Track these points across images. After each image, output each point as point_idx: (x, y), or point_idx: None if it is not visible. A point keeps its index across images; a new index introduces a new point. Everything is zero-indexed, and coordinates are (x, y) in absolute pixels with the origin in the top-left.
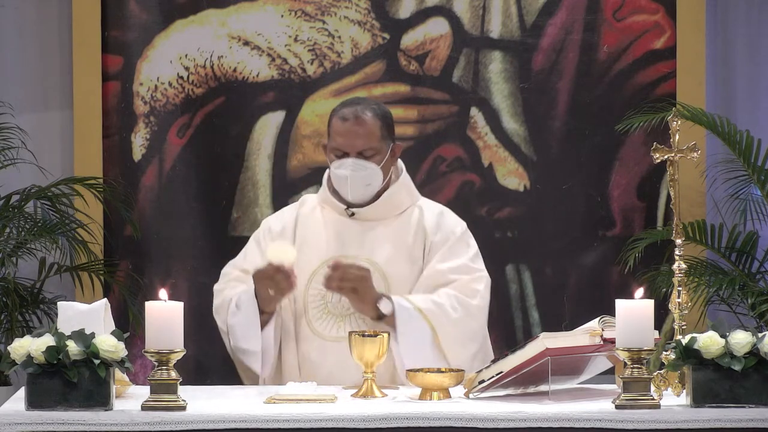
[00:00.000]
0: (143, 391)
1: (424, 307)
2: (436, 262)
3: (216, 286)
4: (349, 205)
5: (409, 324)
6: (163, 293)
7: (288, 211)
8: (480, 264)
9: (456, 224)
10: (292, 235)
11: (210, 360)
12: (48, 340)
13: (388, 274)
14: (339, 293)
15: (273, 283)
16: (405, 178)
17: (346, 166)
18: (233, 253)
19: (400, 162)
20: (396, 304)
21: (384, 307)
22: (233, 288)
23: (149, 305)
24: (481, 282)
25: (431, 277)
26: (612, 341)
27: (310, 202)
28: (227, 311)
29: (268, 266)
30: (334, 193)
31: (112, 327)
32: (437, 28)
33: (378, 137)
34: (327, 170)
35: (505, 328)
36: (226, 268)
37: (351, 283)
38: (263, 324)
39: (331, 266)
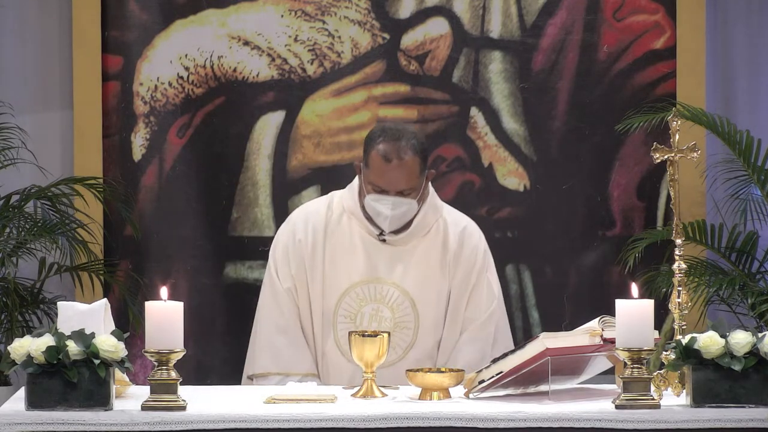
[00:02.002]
0: (143, 391)
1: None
2: (468, 303)
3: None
4: (382, 232)
5: None
6: (163, 291)
7: (315, 216)
8: (496, 280)
9: (478, 242)
10: (322, 250)
11: (210, 360)
12: (48, 340)
13: (417, 300)
14: None
15: None
16: (432, 196)
17: (385, 204)
18: (233, 253)
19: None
20: None
21: None
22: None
23: (149, 305)
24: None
25: (467, 320)
26: (612, 341)
27: (337, 205)
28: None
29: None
30: (368, 218)
31: (112, 327)
32: (437, 28)
33: (417, 175)
34: (358, 181)
35: None
36: (263, 330)
37: None
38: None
39: None
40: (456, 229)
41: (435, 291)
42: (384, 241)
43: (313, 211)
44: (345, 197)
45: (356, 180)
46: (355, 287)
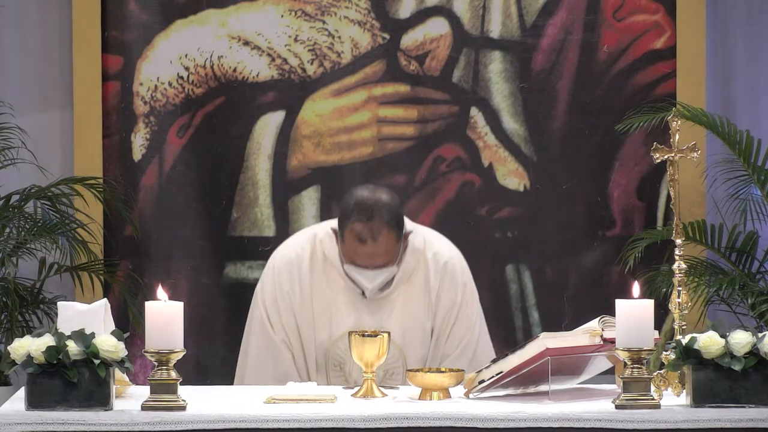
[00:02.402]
0: (143, 391)
1: None
2: (447, 339)
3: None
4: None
5: None
6: (161, 292)
7: (299, 266)
8: (477, 310)
9: (459, 277)
10: (310, 301)
11: (210, 360)
12: (48, 340)
13: (403, 345)
14: None
15: None
16: (412, 240)
17: (364, 276)
18: (233, 253)
19: (407, 225)
20: None
21: None
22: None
23: (149, 305)
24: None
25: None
26: (612, 341)
27: (319, 251)
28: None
29: None
30: (349, 278)
31: (112, 327)
32: (437, 28)
33: (394, 247)
34: (334, 233)
35: (505, 328)
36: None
37: None
38: None
39: None
40: (437, 267)
41: (420, 333)
42: (367, 297)
43: (295, 259)
44: (326, 245)
45: (334, 234)
46: (342, 338)
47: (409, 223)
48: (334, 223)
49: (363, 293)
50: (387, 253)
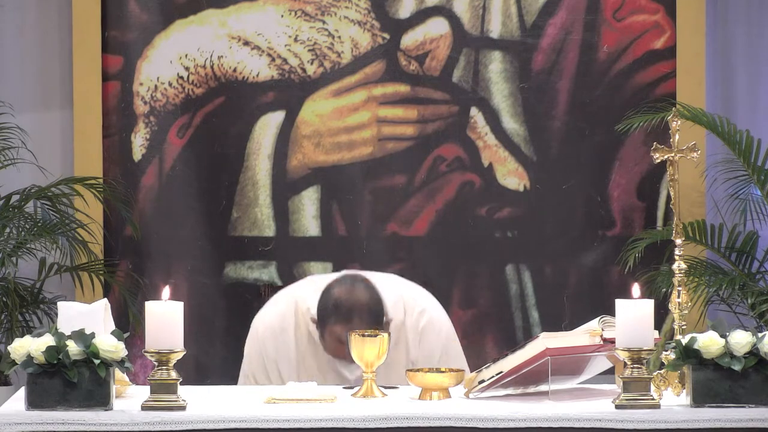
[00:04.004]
0: (143, 391)
1: None
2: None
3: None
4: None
5: None
6: (165, 292)
7: (283, 337)
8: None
9: (437, 336)
10: (296, 373)
11: (210, 360)
12: (48, 340)
13: None
14: None
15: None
16: (392, 320)
17: (347, 369)
18: (233, 253)
19: (387, 312)
20: None
21: None
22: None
23: (149, 305)
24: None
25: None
26: (612, 341)
27: (303, 321)
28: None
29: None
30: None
31: (112, 327)
32: (437, 28)
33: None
34: (314, 322)
35: (505, 328)
36: None
37: None
38: None
39: None
40: (416, 329)
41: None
42: None
43: (278, 328)
44: (310, 326)
45: (314, 324)
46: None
47: (387, 300)
48: (311, 300)
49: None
50: None
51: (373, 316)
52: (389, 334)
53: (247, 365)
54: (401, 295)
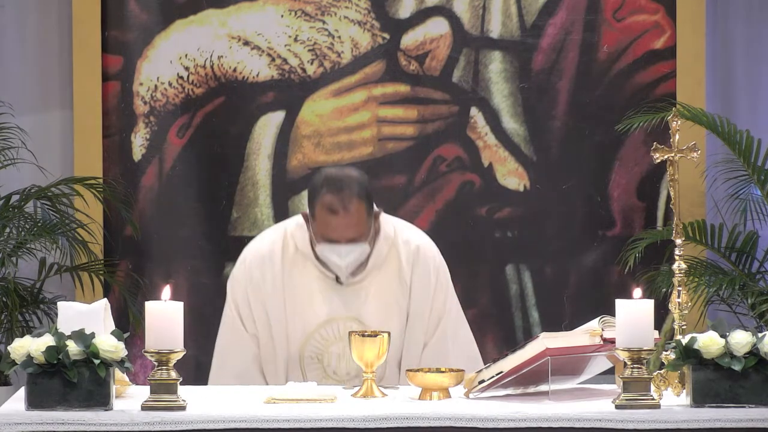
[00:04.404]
0: (143, 391)
1: None
2: (428, 322)
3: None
4: (338, 277)
5: None
6: (165, 291)
7: (270, 258)
8: (451, 296)
9: (431, 263)
10: (282, 294)
11: (210, 360)
12: (48, 340)
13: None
14: None
15: None
16: (383, 227)
17: (336, 253)
18: (233, 253)
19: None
20: None
21: None
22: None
23: (149, 305)
24: (463, 319)
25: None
26: (612, 341)
27: (290, 243)
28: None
29: None
30: (322, 263)
31: (112, 327)
32: (437, 28)
33: (365, 220)
34: (304, 217)
35: (505, 328)
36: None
37: None
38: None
39: None
40: (409, 252)
41: (396, 319)
42: (341, 283)
43: (267, 252)
44: (297, 237)
45: (304, 220)
46: (319, 329)
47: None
48: (301, 226)
49: (337, 279)
50: (359, 225)
51: (363, 190)
52: (389, 334)
53: (231, 296)
54: (394, 222)
